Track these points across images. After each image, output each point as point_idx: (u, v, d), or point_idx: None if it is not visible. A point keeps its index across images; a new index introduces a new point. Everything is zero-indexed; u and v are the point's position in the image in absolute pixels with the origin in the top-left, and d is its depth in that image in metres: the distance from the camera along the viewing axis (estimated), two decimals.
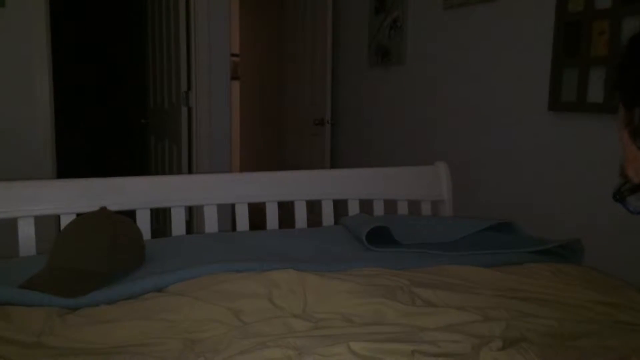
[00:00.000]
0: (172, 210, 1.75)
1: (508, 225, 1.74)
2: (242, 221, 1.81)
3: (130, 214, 1.55)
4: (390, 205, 1.99)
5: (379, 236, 1.58)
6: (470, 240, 1.61)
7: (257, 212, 1.95)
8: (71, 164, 3.74)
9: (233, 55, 4.34)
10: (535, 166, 2.22)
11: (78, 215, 1.55)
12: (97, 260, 1.24)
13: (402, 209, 1.99)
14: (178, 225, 1.75)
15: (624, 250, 1.85)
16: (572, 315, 1.17)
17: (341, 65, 3.60)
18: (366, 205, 1.97)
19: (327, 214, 1.91)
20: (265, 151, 5.17)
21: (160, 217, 3.21)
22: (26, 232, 1.56)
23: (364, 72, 3.38)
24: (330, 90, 3.54)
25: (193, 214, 3.12)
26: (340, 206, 1.99)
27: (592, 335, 1.06)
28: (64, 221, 1.58)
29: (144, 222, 1.66)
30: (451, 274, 1.37)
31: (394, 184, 1.99)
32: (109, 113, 5.48)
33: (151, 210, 1.73)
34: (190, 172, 3.21)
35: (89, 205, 1.57)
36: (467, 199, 2.21)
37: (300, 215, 1.88)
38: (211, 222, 1.77)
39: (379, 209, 1.97)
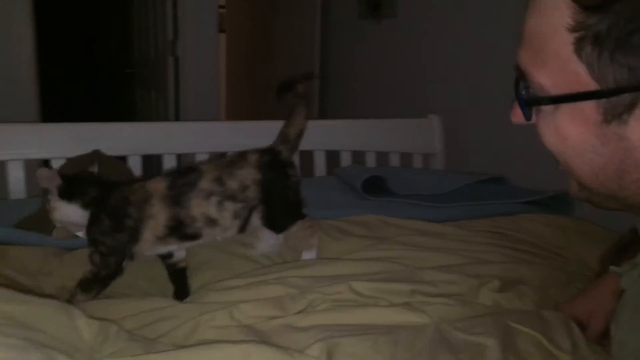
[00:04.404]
0: (165, 158, 1.72)
1: (499, 180, 1.76)
2: None
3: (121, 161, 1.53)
4: (382, 157, 1.99)
5: (374, 186, 1.58)
6: (463, 191, 1.61)
7: None
8: (55, 114, 3.65)
9: (220, 7, 4.23)
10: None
11: (67, 159, 1.53)
12: None
13: (394, 161, 1.99)
14: None
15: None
16: (565, 263, 1.20)
17: (331, 17, 3.53)
18: (358, 157, 1.97)
19: (319, 165, 1.91)
20: (252, 107, 5.11)
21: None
22: (16, 176, 1.53)
23: (354, 25, 3.32)
24: (319, 44, 3.47)
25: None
26: (331, 158, 1.98)
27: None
28: (55, 165, 1.56)
29: (135, 169, 1.64)
30: (445, 225, 1.37)
31: (386, 136, 1.98)
32: (93, 62, 5.34)
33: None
34: None
35: (79, 150, 1.53)
36: (459, 154, 2.21)
37: None
38: None
39: (371, 161, 1.97)
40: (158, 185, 0.96)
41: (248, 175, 0.99)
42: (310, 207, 1.41)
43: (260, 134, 1.82)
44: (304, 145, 1.87)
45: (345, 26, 3.42)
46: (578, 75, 0.47)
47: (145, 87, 3.57)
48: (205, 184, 0.96)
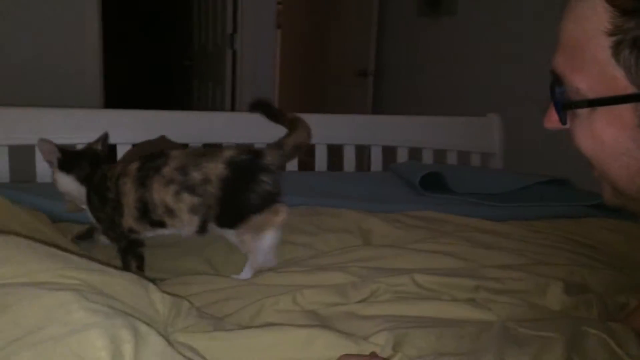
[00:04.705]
0: (224, 146, 1.76)
1: (562, 182, 1.70)
2: (291, 161, 1.81)
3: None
4: (439, 155, 1.97)
5: (431, 184, 1.57)
6: (524, 192, 1.58)
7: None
8: (114, 102, 3.78)
9: (277, 3, 4.27)
10: None
11: (133, 145, 1.58)
12: None
13: (452, 159, 1.96)
14: None
15: None
16: (628, 271, 1.15)
17: (388, 14, 3.51)
18: (415, 154, 1.95)
19: (376, 160, 1.90)
20: (304, 104, 5.13)
21: None
22: None
23: (412, 22, 3.29)
24: (375, 40, 3.46)
25: None
26: (387, 154, 1.97)
27: None
28: (120, 151, 1.61)
29: None
30: (506, 224, 1.35)
31: (444, 133, 1.96)
32: (153, 54, 5.50)
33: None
34: None
35: (144, 136, 1.58)
36: (519, 154, 2.16)
37: (349, 160, 1.87)
38: None
39: (428, 159, 1.95)
40: (133, 166, 0.97)
41: (215, 169, 0.92)
42: (365, 202, 1.41)
43: (314, 126, 1.85)
44: (361, 139, 1.89)
45: (403, 23, 3.39)
46: (616, 78, 0.47)
47: (202, 79, 3.64)
48: (168, 170, 0.93)
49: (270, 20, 3.36)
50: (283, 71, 5.56)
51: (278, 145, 1.00)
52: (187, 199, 0.93)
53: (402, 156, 1.92)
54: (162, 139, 1.39)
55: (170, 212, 0.94)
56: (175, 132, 1.65)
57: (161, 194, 0.93)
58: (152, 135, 1.56)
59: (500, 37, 2.60)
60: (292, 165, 1.81)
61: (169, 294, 0.72)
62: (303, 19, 5.06)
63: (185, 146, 1.63)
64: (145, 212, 0.95)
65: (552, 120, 0.56)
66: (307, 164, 1.88)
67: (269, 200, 0.96)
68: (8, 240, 0.64)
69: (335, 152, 1.94)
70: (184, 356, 0.56)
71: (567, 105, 0.53)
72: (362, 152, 1.93)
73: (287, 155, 1.00)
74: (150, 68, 5.55)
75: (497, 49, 2.62)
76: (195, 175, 0.93)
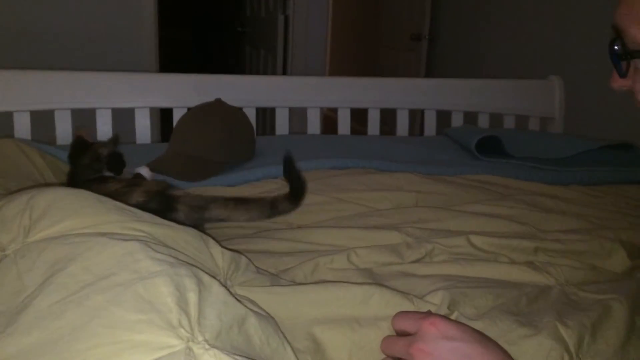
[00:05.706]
0: (277, 111, 1.77)
1: (627, 147, 1.63)
2: (344, 126, 1.81)
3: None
4: (495, 119, 1.91)
5: (488, 148, 1.53)
6: (586, 157, 1.52)
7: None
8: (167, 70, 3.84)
9: None
10: None
11: (189, 109, 1.60)
12: (215, 148, 1.28)
13: (509, 124, 1.91)
14: (282, 125, 1.77)
15: None
16: None
17: None
18: (470, 119, 1.90)
19: (429, 125, 1.87)
20: (355, 69, 5.08)
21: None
22: (142, 122, 1.64)
23: None
24: (430, 3, 3.36)
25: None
26: (442, 118, 1.93)
27: None
28: (176, 114, 1.64)
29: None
30: (567, 189, 1.31)
31: (501, 97, 1.90)
32: (208, 21, 5.55)
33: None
34: None
35: (199, 100, 1.60)
36: (581, 119, 2.07)
37: (402, 124, 1.85)
38: (313, 125, 1.78)
39: (483, 123, 1.90)
40: None
41: None
42: (420, 164, 1.38)
43: (366, 90, 1.83)
44: (415, 103, 1.86)
45: None
46: None
47: (254, 45, 3.65)
48: None
49: None
50: (335, 36, 5.49)
51: (202, 207, 0.90)
52: None
53: (456, 121, 1.87)
54: (218, 102, 1.40)
55: None
56: (230, 96, 1.67)
57: None
58: (207, 98, 1.58)
59: None
60: (345, 129, 1.80)
61: (227, 249, 0.73)
62: None
63: (240, 109, 1.64)
64: None
65: (617, 79, 0.56)
66: (359, 132, 1.87)
67: None
68: (79, 194, 0.67)
69: (386, 118, 1.91)
70: (246, 307, 0.57)
71: (623, 55, 0.53)
72: (415, 116, 1.90)
73: (205, 219, 0.91)
74: (202, 35, 5.61)
75: (558, 10, 2.49)
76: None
